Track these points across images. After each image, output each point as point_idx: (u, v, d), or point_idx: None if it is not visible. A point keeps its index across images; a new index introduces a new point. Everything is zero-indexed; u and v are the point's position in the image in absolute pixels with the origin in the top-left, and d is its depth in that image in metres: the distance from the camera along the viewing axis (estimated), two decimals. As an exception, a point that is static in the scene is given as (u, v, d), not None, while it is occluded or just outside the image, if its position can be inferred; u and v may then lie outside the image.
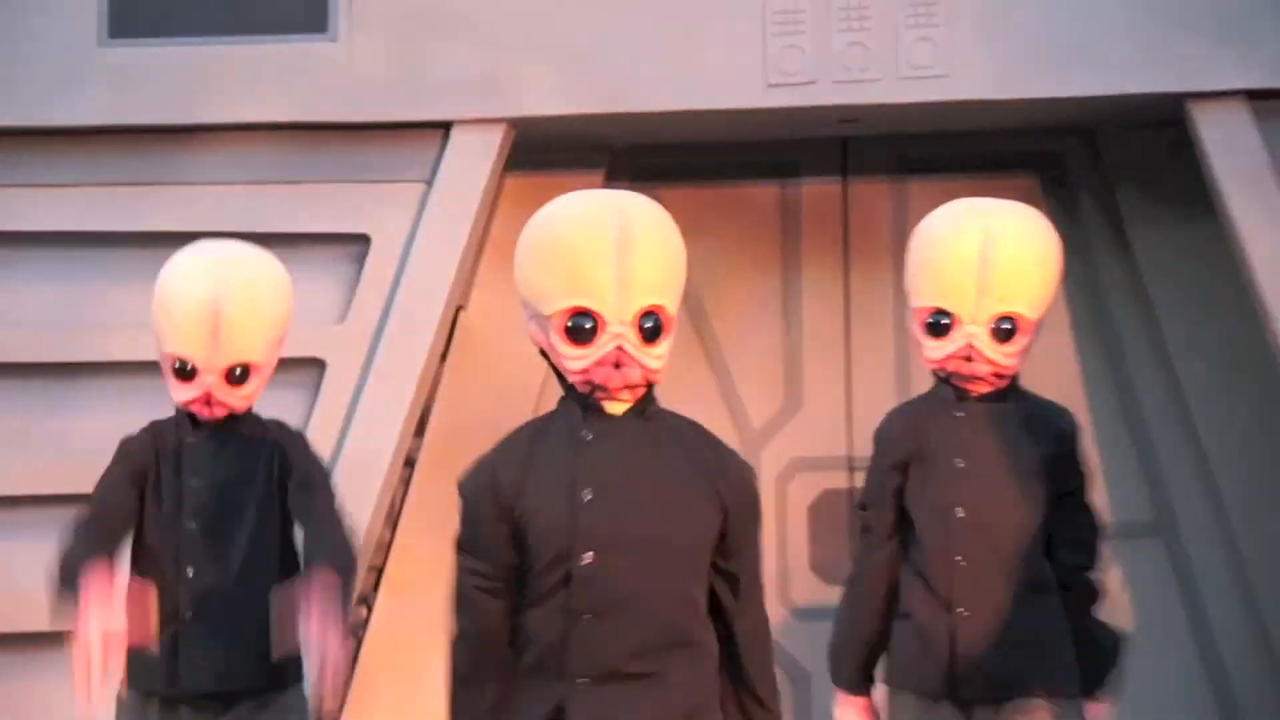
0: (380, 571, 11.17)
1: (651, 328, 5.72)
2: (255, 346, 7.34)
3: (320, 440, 10.02)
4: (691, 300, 11.58)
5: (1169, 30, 10.75)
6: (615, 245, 5.70)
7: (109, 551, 7.12)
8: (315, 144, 11.07)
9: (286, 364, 10.41)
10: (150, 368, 8.02)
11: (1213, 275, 11.21)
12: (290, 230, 10.81)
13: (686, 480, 5.81)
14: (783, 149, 12.09)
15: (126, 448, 7.53)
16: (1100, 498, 10.34)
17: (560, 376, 5.85)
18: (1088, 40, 10.80)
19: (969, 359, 7.25)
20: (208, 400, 7.26)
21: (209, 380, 7.07)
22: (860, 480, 11.76)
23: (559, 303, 5.71)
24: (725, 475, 5.88)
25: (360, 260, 10.91)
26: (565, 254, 5.74)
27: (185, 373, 7.08)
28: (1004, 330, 7.20)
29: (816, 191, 12.15)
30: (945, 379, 7.42)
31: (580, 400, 5.80)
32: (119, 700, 7.44)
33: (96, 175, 10.97)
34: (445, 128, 10.86)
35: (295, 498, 7.49)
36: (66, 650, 6.95)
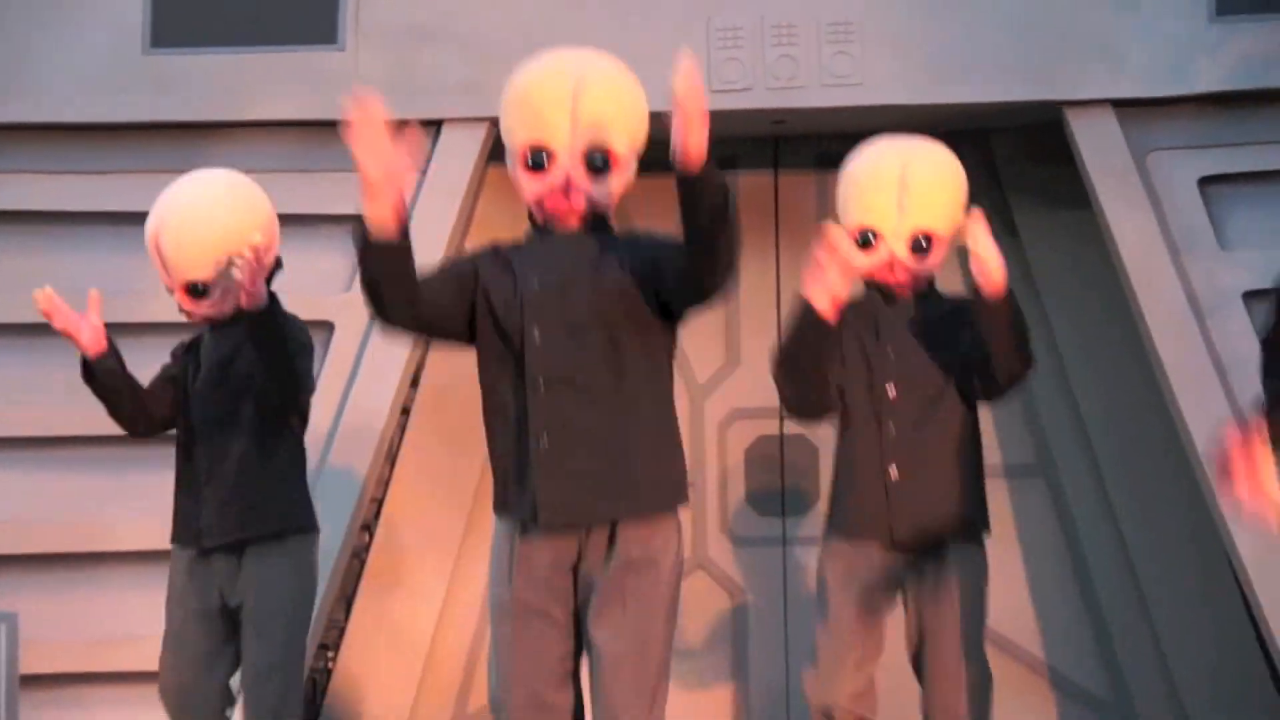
0: (380, 503, 11.31)
1: (599, 163, 5.98)
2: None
3: (330, 391, 10.40)
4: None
5: (1048, 47, 10.96)
6: (571, 90, 5.96)
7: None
8: (325, 138, 10.72)
9: None
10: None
11: (1086, 255, 11.40)
12: (304, 211, 10.95)
13: (614, 267, 5.99)
14: (723, 145, 11.88)
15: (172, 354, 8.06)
16: (989, 442, 10.62)
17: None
18: (980, 55, 10.97)
19: (891, 268, 7.45)
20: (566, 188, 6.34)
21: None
22: (790, 428, 12.09)
23: (520, 138, 5.96)
24: (640, 242, 6.15)
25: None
26: (528, 97, 5.99)
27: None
28: (921, 246, 7.45)
29: (752, 181, 12.24)
30: (874, 286, 7.59)
31: (534, 221, 6.09)
32: (172, 554, 7.93)
33: (141, 164, 11.02)
34: (437, 125, 11.00)
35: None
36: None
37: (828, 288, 6.85)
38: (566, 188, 5.91)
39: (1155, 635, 11.70)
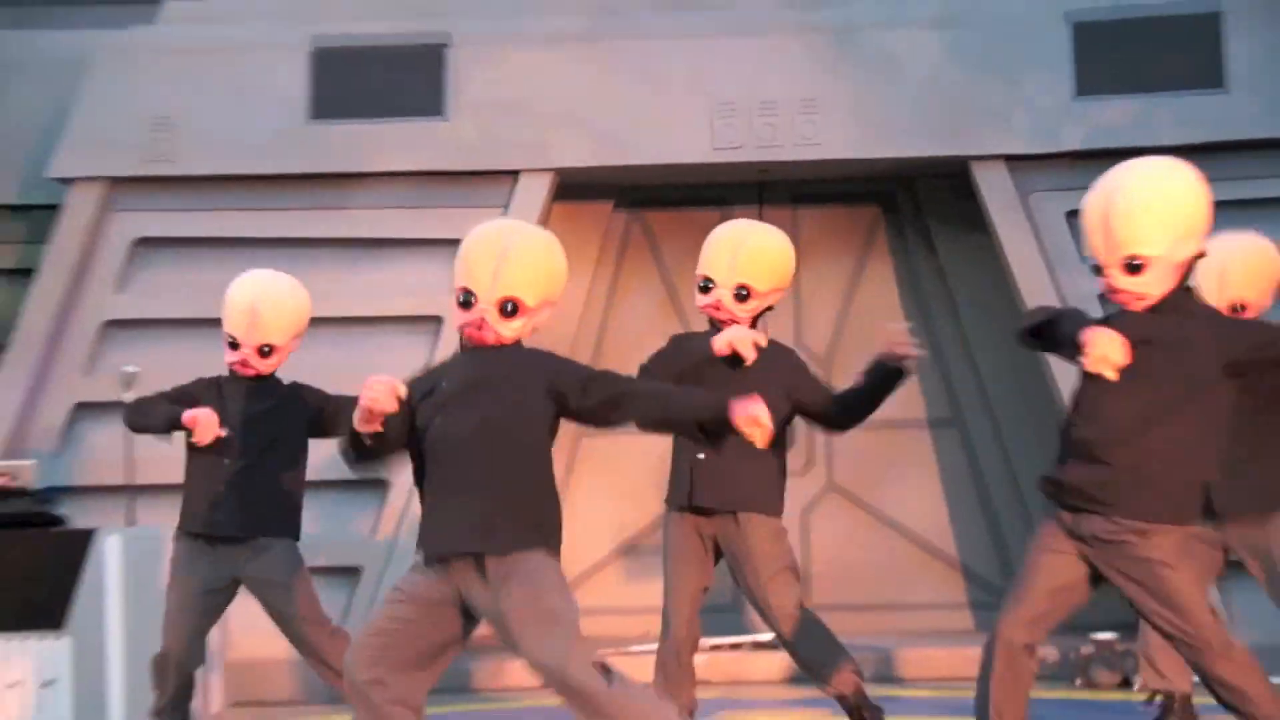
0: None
1: (510, 310, 5.58)
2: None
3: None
4: (670, 280, 12.29)
5: (959, 118, 11.31)
6: (496, 253, 5.54)
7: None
8: (437, 184, 11.48)
9: (415, 319, 11.01)
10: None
11: (985, 264, 11.58)
12: (420, 237, 11.31)
13: (519, 382, 5.63)
14: (722, 188, 12.23)
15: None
16: (915, 399, 11.05)
17: None
18: (909, 123, 11.32)
19: (717, 309, 7.01)
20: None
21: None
22: None
23: (458, 281, 5.59)
24: (551, 366, 5.70)
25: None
26: (467, 253, 5.59)
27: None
28: (741, 294, 6.97)
29: (742, 213, 11.17)
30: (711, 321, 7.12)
31: (462, 340, 5.72)
32: (175, 539, 7.50)
33: (303, 204, 11.43)
34: (515, 175, 11.26)
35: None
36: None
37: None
38: (480, 324, 5.57)
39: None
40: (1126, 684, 9.79)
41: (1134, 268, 5.48)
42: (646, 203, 11.68)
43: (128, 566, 9.00)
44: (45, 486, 9.70)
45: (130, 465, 9.52)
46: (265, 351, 7.30)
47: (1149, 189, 5.53)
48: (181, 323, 11.10)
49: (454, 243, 10.99)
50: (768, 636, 11.18)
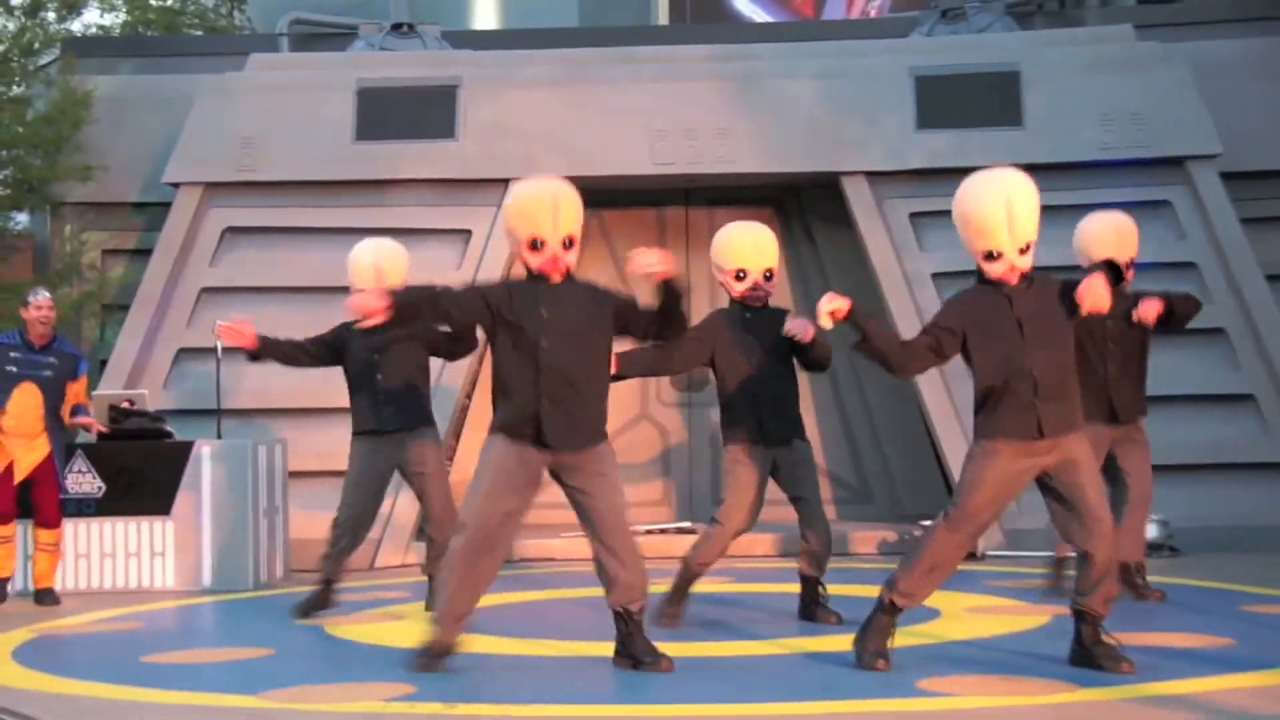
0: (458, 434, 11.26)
1: (570, 246, 5.57)
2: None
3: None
4: (618, 260, 12.19)
5: (832, 142, 11.30)
6: (551, 204, 5.49)
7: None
8: (450, 189, 11.47)
9: None
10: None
11: (852, 252, 11.53)
12: (438, 227, 11.29)
13: (589, 303, 5.59)
14: (657, 194, 12.25)
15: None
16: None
17: (526, 266, 5.62)
18: (797, 145, 11.32)
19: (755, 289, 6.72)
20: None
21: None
22: None
23: (524, 234, 5.52)
24: (607, 293, 5.65)
25: (467, 242, 11.26)
26: (528, 208, 5.53)
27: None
28: (767, 276, 6.77)
29: (673, 214, 12.50)
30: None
31: (534, 276, 5.59)
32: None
33: (346, 203, 11.39)
34: (507, 182, 10.84)
35: None
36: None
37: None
38: (554, 260, 5.55)
39: (884, 455, 12.17)
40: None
41: (1025, 250, 5.44)
42: (602, 203, 11.53)
43: (215, 469, 9.07)
44: (157, 409, 9.69)
45: (219, 394, 9.54)
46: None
47: (1031, 192, 5.47)
48: (258, 290, 11.18)
49: (464, 232, 11.32)
50: (687, 524, 11.31)
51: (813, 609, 6.87)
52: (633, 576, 5.62)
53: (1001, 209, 5.41)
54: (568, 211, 5.59)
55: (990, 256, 5.47)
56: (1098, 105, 11.21)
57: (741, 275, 6.79)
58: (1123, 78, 11.44)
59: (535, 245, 5.58)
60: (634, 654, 5.66)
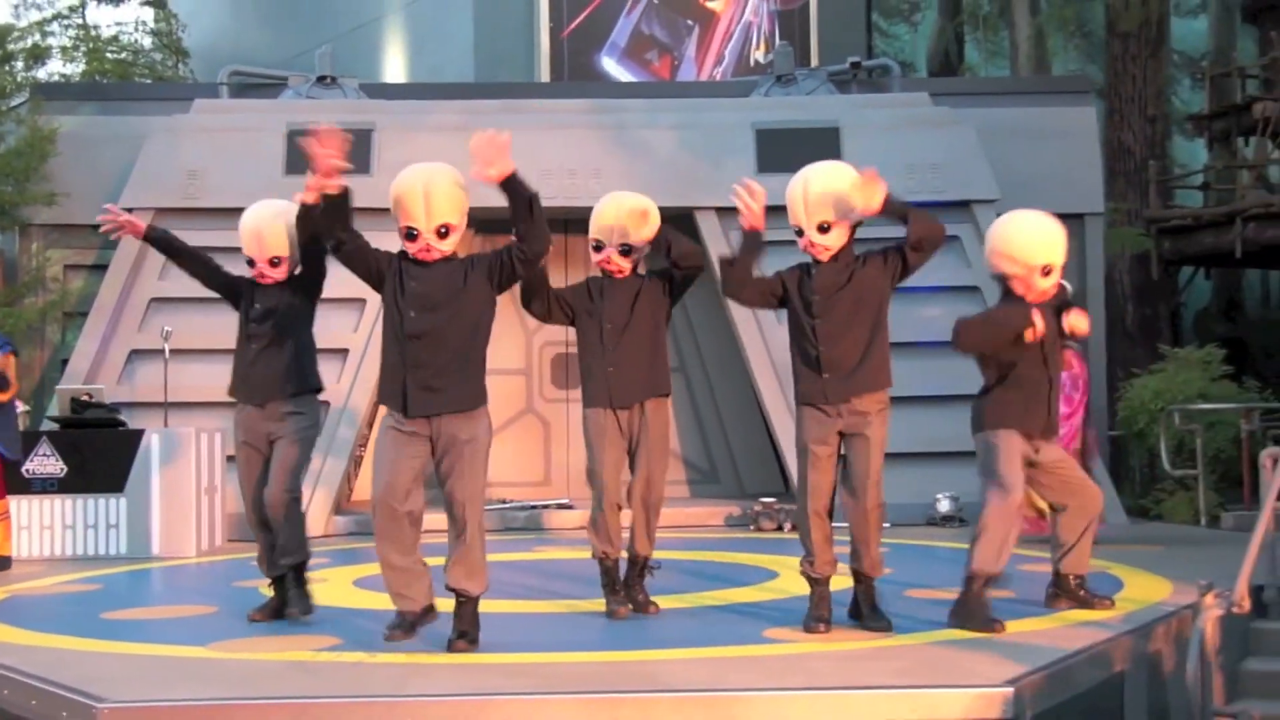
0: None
1: (444, 234, 4.95)
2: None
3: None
4: None
5: (687, 181, 11.25)
6: (422, 195, 4.96)
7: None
8: (366, 216, 10.52)
9: (348, 300, 10.66)
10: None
11: (706, 279, 11.53)
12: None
13: (460, 274, 4.98)
14: (549, 223, 12.39)
15: None
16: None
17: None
18: (658, 184, 10.44)
19: (608, 262, 5.84)
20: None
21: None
22: (571, 348, 11.96)
23: (400, 222, 5.00)
24: (473, 259, 5.05)
25: None
26: (401, 198, 4.99)
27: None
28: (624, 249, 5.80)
29: (555, 240, 12.52)
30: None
31: (408, 258, 5.03)
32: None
33: None
34: None
35: None
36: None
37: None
38: (427, 249, 4.97)
39: (728, 441, 12.27)
40: (780, 529, 9.85)
41: (823, 229, 5.26)
42: (495, 231, 11.25)
43: (162, 453, 8.91)
44: (112, 402, 9.56)
45: (165, 390, 9.40)
46: (275, 262, 5.92)
47: (827, 177, 5.31)
48: (200, 300, 10.06)
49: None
50: (565, 500, 11.31)
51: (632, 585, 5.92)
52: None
53: (799, 189, 5.31)
54: (440, 201, 4.96)
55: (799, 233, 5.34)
56: (903, 157, 11.32)
57: (599, 245, 5.89)
58: (923, 135, 11.63)
59: (410, 234, 4.99)
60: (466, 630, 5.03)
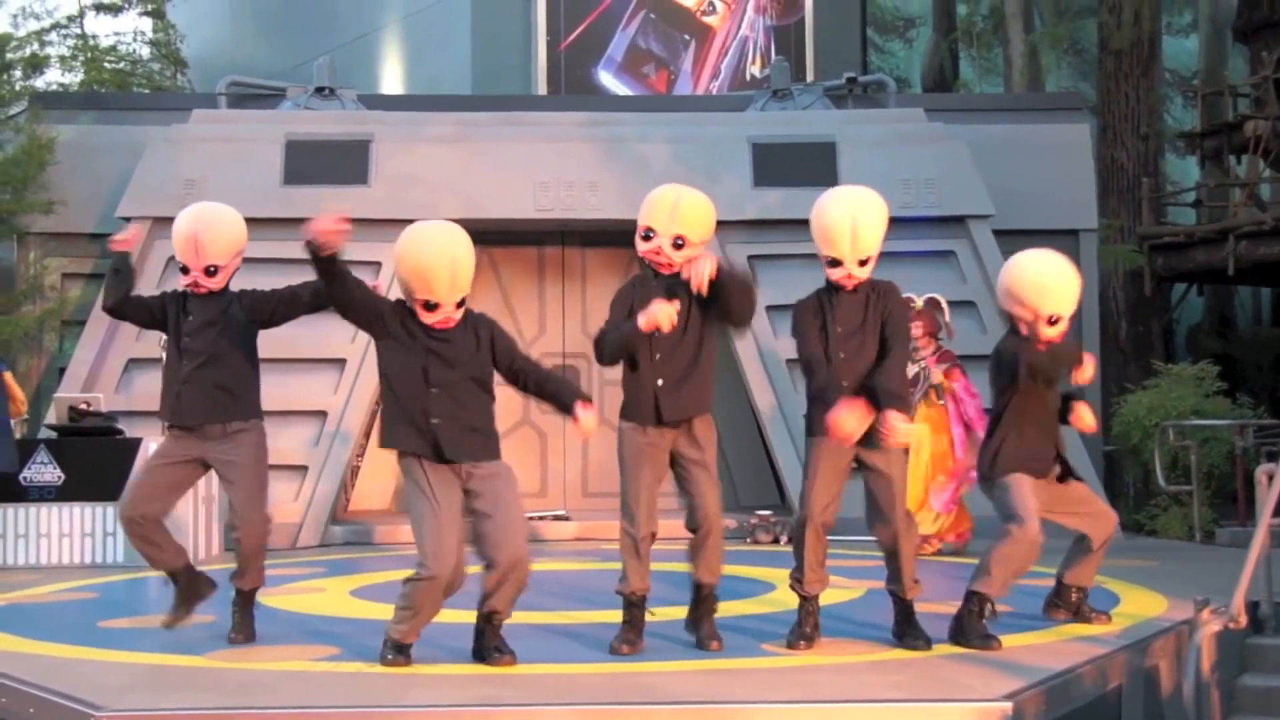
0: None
1: (462, 305, 4.87)
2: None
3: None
4: (505, 290, 12.27)
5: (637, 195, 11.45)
6: (449, 272, 4.84)
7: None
8: (363, 228, 10.14)
9: None
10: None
11: None
12: (351, 259, 10.37)
13: (472, 344, 4.93)
14: (539, 234, 12.08)
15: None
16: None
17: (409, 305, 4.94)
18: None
19: (658, 253, 5.17)
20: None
21: None
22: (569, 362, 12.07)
23: (418, 294, 4.87)
24: (488, 324, 4.98)
25: (377, 273, 10.58)
26: (425, 274, 4.85)
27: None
28: (678, 244, 5.16)
29: (551, 252, 12.35)
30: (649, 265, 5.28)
31: (423, 323, 4.90)
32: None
33: (274, 237, 10.55)
34: (411, 222, 10.87)
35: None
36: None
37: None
38: (446, 320, 4.96)
39: (723, 451, 12.14)
40: (776, 542, 9.84)
41: (863, 263, 5.24)
42: (491, 242, 11.40)
43: (161, 462, 8.79)
44: (109, 410, 9.49)
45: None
46: (210, 271, 5.54)
47: (879, 212, 5.27)
48: None
49: (374, 264, 11.06)
50: (561, 511, 11.27)
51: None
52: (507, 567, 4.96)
53: (847, 223, 5.19)
54: (465, 275, 4.89)
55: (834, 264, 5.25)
56: (898, 171, 11.30)
57: (649, 235, 5.33)
58: (918, 150, 11.60)
59: (429, 306, 4.87)
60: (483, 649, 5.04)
